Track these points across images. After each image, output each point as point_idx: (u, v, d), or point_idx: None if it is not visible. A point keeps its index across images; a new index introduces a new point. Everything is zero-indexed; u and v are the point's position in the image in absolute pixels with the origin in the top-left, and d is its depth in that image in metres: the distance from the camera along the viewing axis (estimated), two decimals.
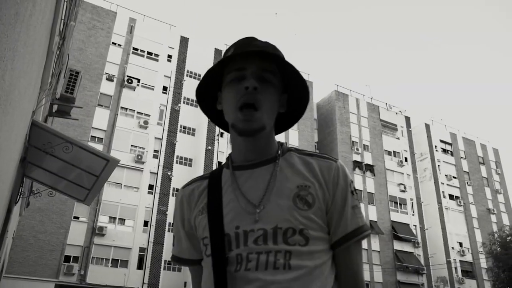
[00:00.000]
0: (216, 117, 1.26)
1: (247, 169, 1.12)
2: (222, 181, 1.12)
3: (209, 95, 1.20)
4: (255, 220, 1.02)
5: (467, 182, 45.35)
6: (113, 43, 31.13)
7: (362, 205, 37.59)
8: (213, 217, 1.06)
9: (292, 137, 36.94)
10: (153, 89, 31.75)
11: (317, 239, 1.03)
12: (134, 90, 30.76)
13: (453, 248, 40.64)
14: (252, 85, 1.05)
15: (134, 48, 31.87)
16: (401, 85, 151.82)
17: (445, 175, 44.03)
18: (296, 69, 1.08)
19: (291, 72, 1.10)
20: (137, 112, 30.55)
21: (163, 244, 28.06)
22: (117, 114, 29.61)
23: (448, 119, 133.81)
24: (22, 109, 4.02)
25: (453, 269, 39.50)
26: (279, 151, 1.14)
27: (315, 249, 1.02)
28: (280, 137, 36.05)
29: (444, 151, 45.89)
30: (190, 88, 33.68)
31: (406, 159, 42.68)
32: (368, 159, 40.16)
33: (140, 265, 27.09)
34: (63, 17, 6.13)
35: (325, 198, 1.06)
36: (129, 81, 30.44)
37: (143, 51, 32.23)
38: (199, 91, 1.19)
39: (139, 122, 30.03)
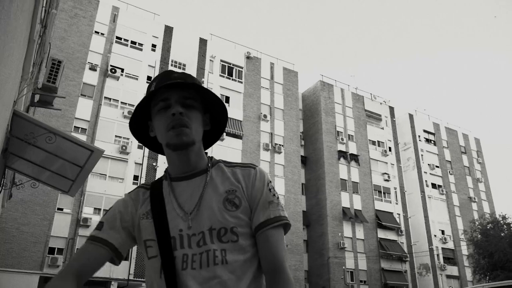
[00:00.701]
0: (149, 144, 1.42)
1: (183, 180, 1.29)
2: (164, 192, 1.28)
3: (140, 125, 1.36)
4: (189, 226, 1.19)
5: (449, 171, 46.15)
6: (96, 32, 30.59)
7: (347, 194, 38.03)
8: (159, 222, 1.22)
9: (277, 127, 37.03)
10: (137, 79, 31.39)
11: (245, 234, 1.21)
12: (118, 80, 30.37)
13: (435, 235, 41.46)
14: (178, 111, 1.22)
15: (117, 37, 31.39)
16: (386, 76, 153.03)
17: (428, 165, 44.73)
18: (213, 93, 1.28)
19: (210, 95, 1.29)
20: (121, 102, 30.19)
21: None
22: (101, 104, 29.23)
23: (431, 109, 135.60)
24: (3, 99, 3.94)
25: (435, 256, 40.34)
26: (209, 164, 1.31)
27: (244, 243, 1.19)
28: (265, 127, 36.11)
29: (427, 140, 46.56)
30: None
31: (390, 149, 43.20)
32: (352, 148, 40.51)
33: (126, 257, 26.97)
34: (44, 5, 6.00)
35: (247, 198, 1.24)
36: (113, 70, 30.02)
37: (127, 40, 31.78)
38: (132, 124, 1.35)
39: (123, 113, 29.70)
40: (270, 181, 1.29)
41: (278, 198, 1.28)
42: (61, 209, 26.25)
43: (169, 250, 1.18)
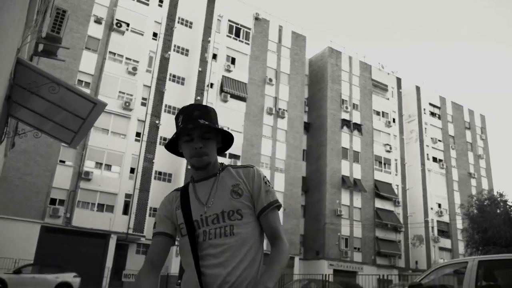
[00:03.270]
0: (176, 152, 1.93)
1: (202, 181, 1.84)
2: (189, 191, 1.83)
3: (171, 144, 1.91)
4: (205, 212, 1.75)
5: (451, 146, 46.11)
6: None
7: (348, 163, 38.21)
8: (185, 211, 1.78)
9: (282, 92, 36.72)
10: (142, 34, 30.87)
11: (247, 214, 1.75)
12: (123, 35, 29.88)
13: (431, 208, 41.92)
14: (198, 146, 1.75)
15: None
16: (395, 47, 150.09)
17: (431, 138, 44.63)
18: (223, 130, 1.82)
19: (222, 131, 1.85)
20: (126, 57, 29.83)
21: (148, 191, 28.34)
22: (105, 59, 28.89)
23: (439, 83, 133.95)
24: (5, 44, 3.86)
25: (430, 228, 40.93)
26: (220, 169, 1.85)
27: (247, 221, 1.74)
28: (270, 91, 35.79)
29: (432, 114, 46.25)
30: (181, 35, 32.82)
31: (394, 120, 43.00)
32: (356, 118, 40.34)
33: (125, 211, 27.46)
34: None
35: (248, 190, 1.78)
36: (118, 25, 29.49)
37: None
38: (166, 146, 1.91)
39: (127, 68, 29.40)
40: (265, 176, 1.85)
41: (272, 187, 1.85)
42: (63, 162, 26.48)
43: (193, 229, 1.73)
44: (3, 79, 4.19)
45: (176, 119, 1.81)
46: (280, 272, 1.67)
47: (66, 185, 26.09)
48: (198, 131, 1.75)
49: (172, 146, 1.89)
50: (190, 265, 1.70)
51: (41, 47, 7.91)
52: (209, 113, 1.80)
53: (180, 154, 1.88)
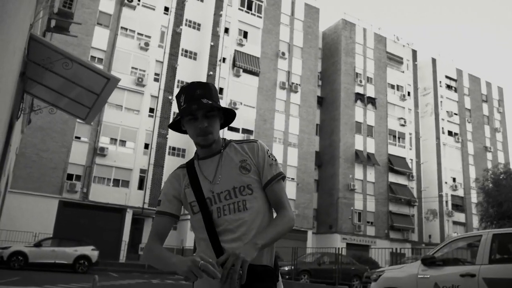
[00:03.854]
0: (179, 130, 1.94)
1: (206, 158, 1.87)
2: (196, 168, 1.86)
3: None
4: (213, 189, 1.78)
5: (467, 120, 45.41)
6: None
7: (361, 137, 38.00)
8: (196, 189, 1.80)
9: (295, 66, 36.32)
10: (154, 9, 30.62)
11: (256, 188, 1.79)
12: (134, 10, 29.68)
13: (446, 182, 41.67)
14: (204, 125, 1.77)
15: None
16: (411, 19, 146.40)
17: (447, 111, 43.97)
18: (225, 108, 1.85)
19: (224, 108, 1.86)
20: (138, 33, 29.71)
21: (163, 167, 28.66)
22: (117, 34, 28.82)
23: (455, 56, 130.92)
24: (18, 20, 3.86)
25: (444, 202, 40.81)
26: (223, 145, 1.88)
27: (257, 195, 1.79)
28: (283, 65, 35.44)
29: (448, 87, 45.40)
30: (192, 9, 32.46)
31: (408, 93, 42.37)
32: (370, 91, 39.83)
33: (140, 186, 27.89)
34: None
35: (255, 164, 1.82)
36: None
37: None
38: (170, 125, 1.93)
39: (139, 44, 29.31)
40: (268, 149, 1.89)
41: (276, 160, 1.88)
42: (79, 138, 26.84)
43: (206, 206, 1.77)
44: (17, 55, 4.21)
45: (178, 98, 1.83)
46: (276, 234, 1.70)
47: (82, 160, 26.51)
48: (202, 110, 1.76)
49: (175, 124, 1.91)
50: (205, 240, 1.76)
51: (53, 23, 7.90)
52: (211, 91, 1.81)
53: (184, 132, 1.91)
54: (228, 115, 1.94)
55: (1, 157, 5.25)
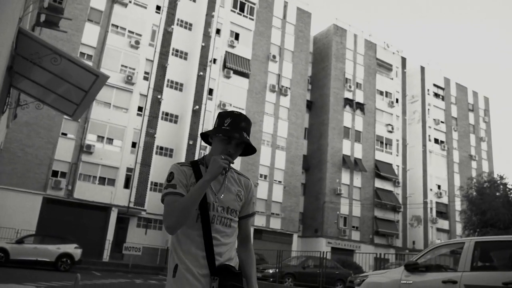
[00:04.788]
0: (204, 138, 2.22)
1: None
2: (202, 174, 2.05)
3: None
4: (216, 200, 2.05)
5: (453, 128, 46.00)
6: None
7: (349, 142, 38.26)
8: None
9: (285, 69, 36.44)
10: (145, 7, 30.45)
11: (237, 216, 2.12)
12: (126, 7, 29.48)
13: (431, 189, 42.12)
14: (233, 151, 2.03)
15: None
16: (401, 26, 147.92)
17: (434, 119, 44.49)
18: (253, 147, 2.12)
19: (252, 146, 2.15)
20: (129, 31, 29.51)
21: (150, 166, 28.47)
22: (108, 31, 28.59)
23: (444, 64, 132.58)
24: (7, 13, 3.81)
25: (429, 209, 41.24)
26: (227, 168, 2.01)
27: (236, 220, 2.12)
28: (273, 68, 35.56)
29: (436, 95, 45.96)
30: (184, 9, 32.37)
31: (397, 100, 42.79)
32: (359, 97, 40.14)
33: (127, 185, 27.65)
34: None
35: (244, 197, 2.16)
36: None
37: None
38: (202, 135, 2.21)
39: (130, 42, 29.11)
40: (253, 190, 2.25)
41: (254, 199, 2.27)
42: (65, 134, 26.54)
43: (207, 208, 2.00)
44: (4, 49, 4.15)
45: (222, 118, 2.06)
46: (255, 272, 2.18)
47: (68, 157, 26.21)
48: (238, 140, 2.03)
49: (204, 133, 2.18)
50: (190, 238, 2.00)
51: (43, 17, 7.82)
52: (250, 127, 2.10)
53: (207, 141, 2.20)
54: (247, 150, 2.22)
55: None
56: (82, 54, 27.49)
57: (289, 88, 36.12)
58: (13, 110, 9.21)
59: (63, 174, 26.03)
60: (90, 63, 26.64)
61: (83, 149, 26.46)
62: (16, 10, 4.58)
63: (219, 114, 2.10)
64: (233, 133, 1.99)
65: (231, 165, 2.08)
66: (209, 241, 1.96)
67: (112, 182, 27.22)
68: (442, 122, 45.26)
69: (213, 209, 2.02)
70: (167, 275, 2.02)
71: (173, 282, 1.95)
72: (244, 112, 32.50)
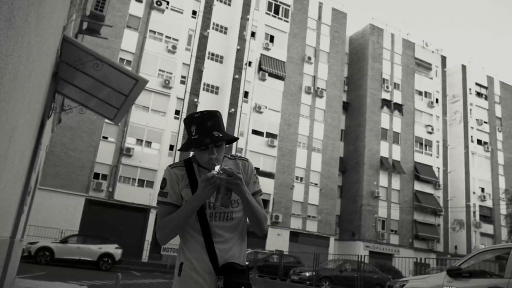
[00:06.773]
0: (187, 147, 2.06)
1: (206, 168, 2.02)
2: (195, 173, 2.04)
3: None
4: (211, 200, 1.92)
5: (498, 128, 44.17)
6: None
7: (387, 144, 37.46)
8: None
9: (321, 70, 36.14)
10: (182, 12, 31.03)
11: (240, 202, 2.01)
12: (163, 13, 30.16)
13: (474, 192, 40.59)
14: (213, 155, 1.96)
15: None
16: (441, 25, 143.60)
17: (476, 120, 42.89)
18: (230, 136, 2.02)
19: (230, 136, 2.04)
20: (166, 36, 30.16)
21: None
22: (146, 37, 29.33)
23: (486, 62, 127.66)
24: (52, 22, 3.97)
25: (472, 213, 39.74)
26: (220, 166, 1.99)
27: (240, 208, 2.04)
28: (309, 70, 35.32)
29: (478, 94, 44.31)
30: (219, 13, 32.74)
31: (437, 101, 41.55)
32: (397, 98, 39.25)
33: None
34: None
35: (244, 179, 2.00)
36: (158, 3, 29.75)
37: None
38: (182, 147, 2.05)
39: (167, 47, 29.74)
40: (254, 169, 2.17)
41: (257, 177, 2.17)
42: (106, 138, 27.38)
43: (203, 207, 1.99)
44: (50, 56, 4.34)
45: (188, 126, 2.01)
46: (255, 206, 2.00)
47: (109, 160, 27.03)
48: (211, 143, 1.95)
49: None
50: (193, 237, 2.00)
51: (85, 25, 8.11)
52: (219, 120, 2.01)
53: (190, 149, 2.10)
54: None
55: (32, 155, 5.41)
56: (122, 59, 28.31)
57: (324, 90, 35.79)
58: (58, 115, 9.59)
59: (104, 177, 26.86)
60: (129, 68, 27.37)
61: (123, 152, 27.22)
62: (60, 19, 4.78)
63: (184, 122, 2.03)
64: (203, 140, 1.92)
65: (224, 156, 2.09)
66: (210, 240, 1.95)
67: (150, 184, 27.84)
68: (485, 122, 43.56)
69: (209, 207, 1.99)
70: (174, 274, 2.04)
71: (179, 280, 1.97)
72: (279, 115, 32.75)
